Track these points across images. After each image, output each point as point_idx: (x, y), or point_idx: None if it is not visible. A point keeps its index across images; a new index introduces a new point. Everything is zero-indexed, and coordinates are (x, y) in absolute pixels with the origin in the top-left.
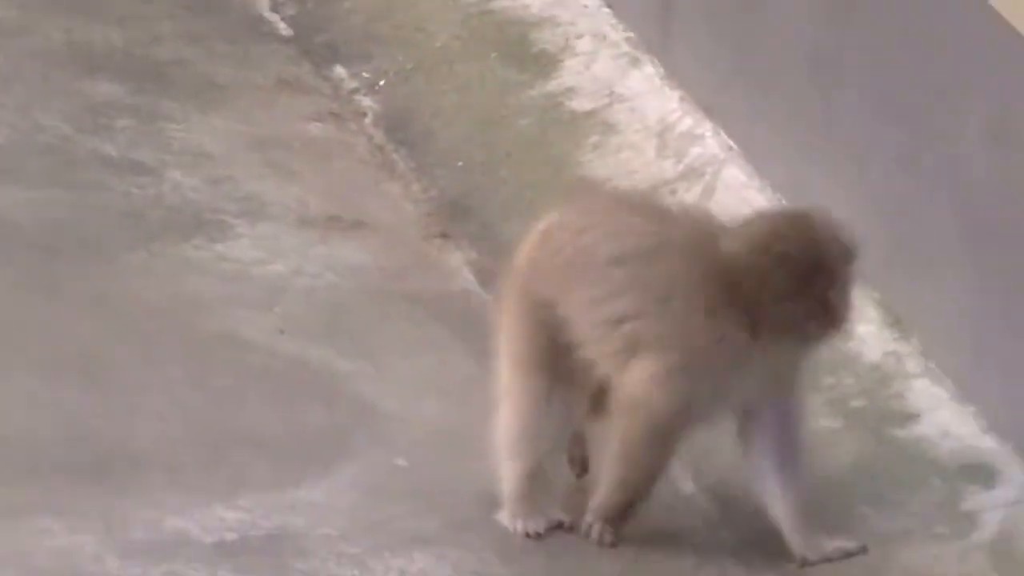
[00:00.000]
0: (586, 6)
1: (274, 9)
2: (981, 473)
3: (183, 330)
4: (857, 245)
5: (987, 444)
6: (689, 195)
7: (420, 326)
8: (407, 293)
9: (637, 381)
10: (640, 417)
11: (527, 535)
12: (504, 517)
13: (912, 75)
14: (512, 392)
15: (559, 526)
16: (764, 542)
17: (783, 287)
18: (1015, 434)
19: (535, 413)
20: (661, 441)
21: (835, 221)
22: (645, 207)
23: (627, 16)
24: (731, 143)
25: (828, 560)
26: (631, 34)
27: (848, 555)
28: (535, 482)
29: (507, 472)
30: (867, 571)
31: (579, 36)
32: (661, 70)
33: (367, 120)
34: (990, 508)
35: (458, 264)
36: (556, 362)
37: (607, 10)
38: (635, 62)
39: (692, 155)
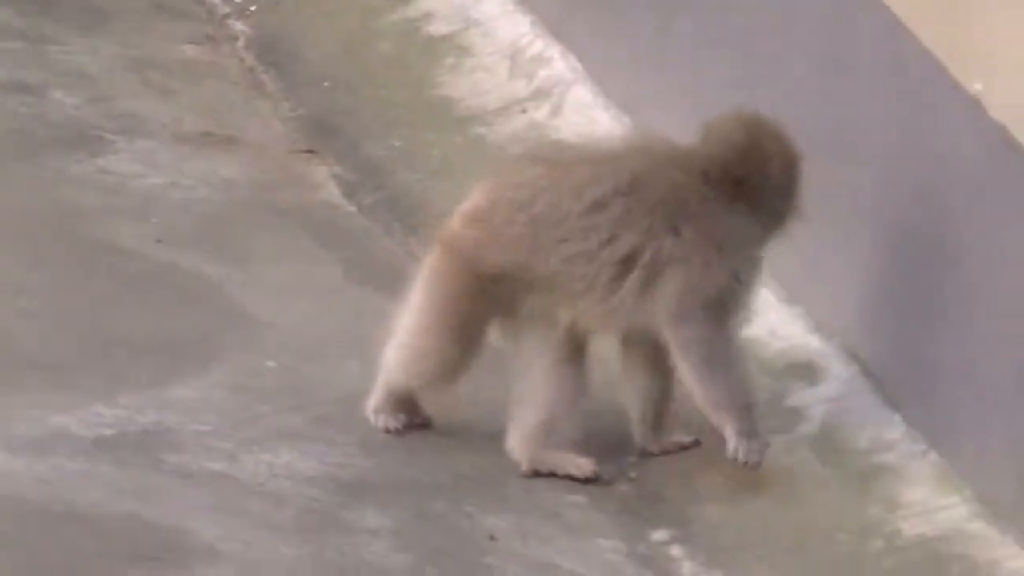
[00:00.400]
0: None
1: None
2: (807, 371)
3: (66, 238)
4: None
5: (813, 344)
6: (539, 113)
7: (288, 236)
8: (276, 205)
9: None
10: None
11: (387, 430)
12: (368, 412)
13: (741, 2)
14: (426, 330)
15: (421, 425)
16: (609, 433)
17: (781, 182)
18: (838, 334)
19: (441, 355)
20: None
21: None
22: (577, 157)
23: None
24: (578, 65)
25: (665, 452)
26: None
27: (683, 448)
28: (404, 394)
29: (387, 377)
30: (701, 462)
31: None
32: None
33: (239, 43)
34: (814, 403)
35: (323, 178)
36: (480, 327)
37: None
38: None
39: (541, 76)
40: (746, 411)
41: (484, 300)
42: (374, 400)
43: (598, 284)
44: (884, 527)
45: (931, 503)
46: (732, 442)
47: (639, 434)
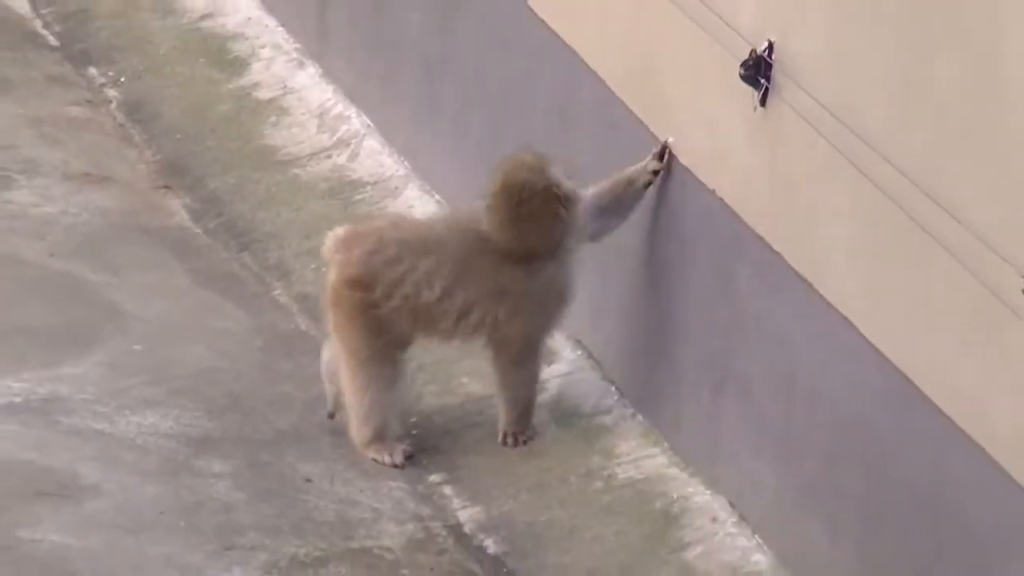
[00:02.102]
0: (267, 25)
1: (45, 26)
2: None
3: None
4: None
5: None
6: (340, 159)
7: (150, 250)
8: (141, 227)
9: (519, 353)
10: (530, 371)
11: (395, 465)
12: (375, 456)
13: (494, 72)
14: (359, 376)
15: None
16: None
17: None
18: (568, 327)
19: (381, 389)
20: (538, 368)
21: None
22: (419, 238)
23: (296, 32)
24: (369, 122)
25: (516, 440)
26: (299, 45)
27: (529, 438)
28: (388, 430)
29: (367, 429)
30: (469, 424)
31: (262, 47)
32: (320, 70)
33: (112, 105)
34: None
35: (177, 207)
36: (388, 349)
37: (281, 28)
38: (301, 65)
39: (342, 130)
40: (529, 411)
41: (382, 336)
42: (373, 449)
43: (458, 336)
44: (603, 471)
45: (638, 453)
46: (503, 432)
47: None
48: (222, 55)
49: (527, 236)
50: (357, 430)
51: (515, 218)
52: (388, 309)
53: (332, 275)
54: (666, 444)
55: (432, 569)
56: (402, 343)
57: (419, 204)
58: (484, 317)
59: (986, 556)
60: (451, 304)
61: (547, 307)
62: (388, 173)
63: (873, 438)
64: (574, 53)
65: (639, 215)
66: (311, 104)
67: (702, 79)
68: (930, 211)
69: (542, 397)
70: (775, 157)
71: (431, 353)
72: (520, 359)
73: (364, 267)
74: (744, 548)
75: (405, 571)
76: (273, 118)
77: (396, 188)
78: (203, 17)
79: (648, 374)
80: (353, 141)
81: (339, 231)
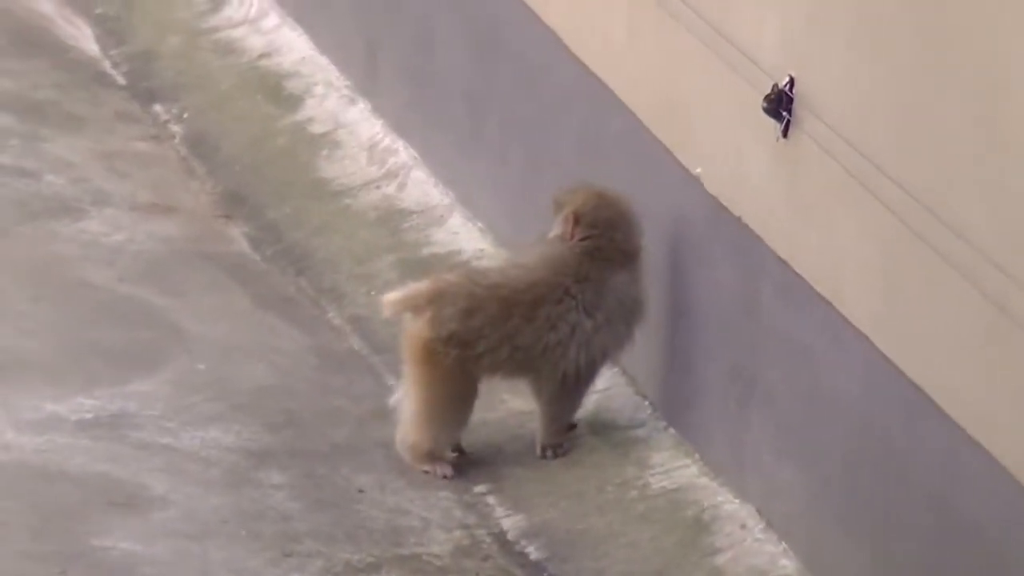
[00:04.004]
0: (319, 64)
1: (113, 67)
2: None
3: (54, 279)
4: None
5: None
6: (389, 189)
7: (212, 275)
8: (203, 253)
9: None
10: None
11: (445, 477)
12: (427, 468)
13: (529, 104)
14: (432, 409)
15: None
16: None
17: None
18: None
19: (450, 422)
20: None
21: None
22: (506, 283)
23: (347, 71)
24: (416, 154)
25: (555, 453)
26: (350, 82)
27: (566, 451)
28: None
29: (425, 447)
30: (511, 438)
31: (316, 84)
32: (370, 106)
33: (176, 140)
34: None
35: (236, 235)
36: (469, 388)
37: (333, 67)
38: (352, 101)
39: (390, 162)
40: (567, 426)
41: (469, 381)
42: (427, 462)
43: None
44: (638, 481)
45: (670, 464)
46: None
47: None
48: (278, 92)
49: (612, 233)
50: (414, 447)
51: (600, 219)
52: (489, 361)
53: (425, 332)
54: (697, 455)
55: (477, 574)
56: (482, 379)
57: (463, 231)
58: (578, 346)
59: (995, 558)
60: (550, 344)
61: (631, 319)
62: (434, 202)
63: (888, 446)
64: (605, 87)
65: (669, 241)
66: (361, 138)
67: (727, 112)
68: (940, 232)
69: (580, 412)
70: (796, 185)
71: None
72: (580, 381)
73: (463, 325)
74: (771, 554)
75: None
76: (326, 151)
77: (441, 216)
78: (261, 56)
79: (679, 389)
80: (401, 172)
81: (420, 287)
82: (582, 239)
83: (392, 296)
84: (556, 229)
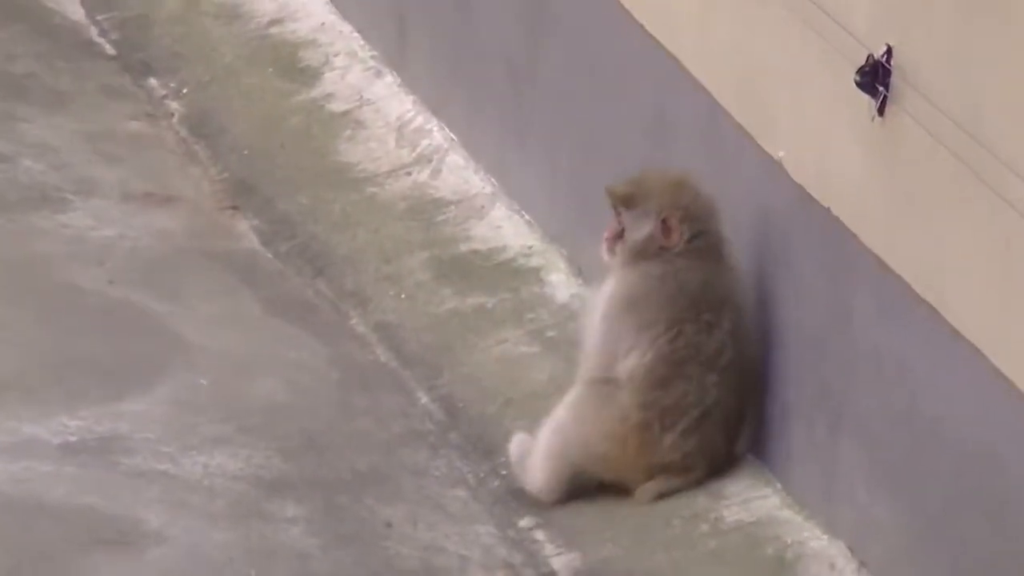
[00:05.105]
0: (341, 31)
1: (101, 34)
2: None
3: (33, 280)
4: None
5: None
6: (421, 176)
7: (217, 277)
8: (206, 251)
9: None
10: None
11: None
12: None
13: (585, 82)
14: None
15: None
16: (482, 439)
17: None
18: None
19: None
20: None
21: None
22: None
23: (372, 39)
24: (452, 135)
25: None
26: (376, 52)
27: None
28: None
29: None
30: None
31: (336, 54)
32: (399, 80)
33: (174, 119)
34: None
35: (245, 229)
36: None
37: (357, 34)
38: (379, 74)
39: (423, 145)
40: None
41: None
42: (545, 482)
43: None
44: (710, 514)
45: (748, 494)
46: None
47: None
48: (292, 64)
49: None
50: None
51: (700, 210)
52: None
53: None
54: (778, 484)
55: None
56: None
57: (507, 225)
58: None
59: None
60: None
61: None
62: (473, 191)
63: (1002, 477)
64: (674, 59)
65: (746, 237)
66: (389, 117)
67: (814, 87)
68: None
69: None
70: (895, 171)
71: (520, 388)
72: None
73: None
74: None
75: None
76: (348, 132)
77: (482, 207)
78: (272, 23)
79: (758, 410)
80: (435, 157)
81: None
82: (688, 240)
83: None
84: (636, 235)
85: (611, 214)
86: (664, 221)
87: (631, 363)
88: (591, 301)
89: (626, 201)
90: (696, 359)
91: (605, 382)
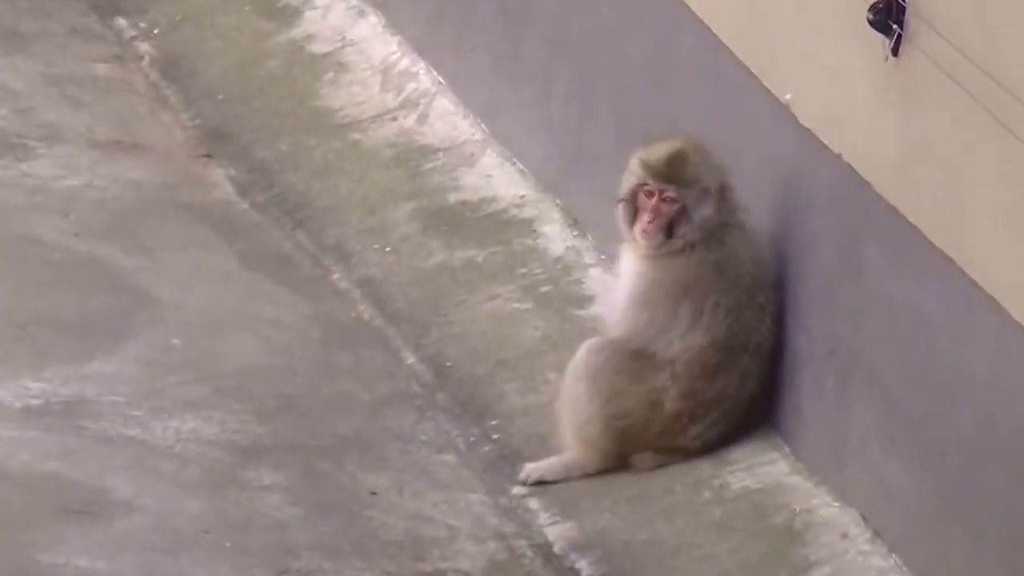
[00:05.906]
0: None
1: None
2: None
3: None
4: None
5: None
6: (407, 121)
7: (189, 229)
8: (178, 202)
9: None
10: None
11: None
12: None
13: (582, 19)
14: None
15: None
16: (472, 401)
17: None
18: None
19: None
20: None
21: None
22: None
23: None
24: (440, 79)
25: None
26: None
27: None
28: None
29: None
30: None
31: None
32: (383, 20)
33: (144, 62)
34: None
35: (220, 179)
36: None
37: None
38: (362, 13)
39: (409, 89)
40: None
41: None
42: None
43: None
44: (714, 480)
45: (754, 459)
46: None
47: None
48: (271, 3)
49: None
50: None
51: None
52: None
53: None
54: (786, 448)
55: None
56: None
57: (498, 173)
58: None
59: None
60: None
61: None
62: (463, 137)
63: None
64: None
65: (753, 186)
66: (373, 59)
67: (824, 25)
68: None
69: None
70: (909, 114)
71: (512, 347)
72: None
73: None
74: (879, 569)
75: None
76: (330, 75)
77: (472, 155)
78: None
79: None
80: (422, 101)
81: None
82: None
83: None
84: (702, 212)
85: (645, 193)
86: (723, 194)
87: (679, 347)
88: (628, 277)
89: (684, 179)
90: (746, 348)
91: (637, 357)
